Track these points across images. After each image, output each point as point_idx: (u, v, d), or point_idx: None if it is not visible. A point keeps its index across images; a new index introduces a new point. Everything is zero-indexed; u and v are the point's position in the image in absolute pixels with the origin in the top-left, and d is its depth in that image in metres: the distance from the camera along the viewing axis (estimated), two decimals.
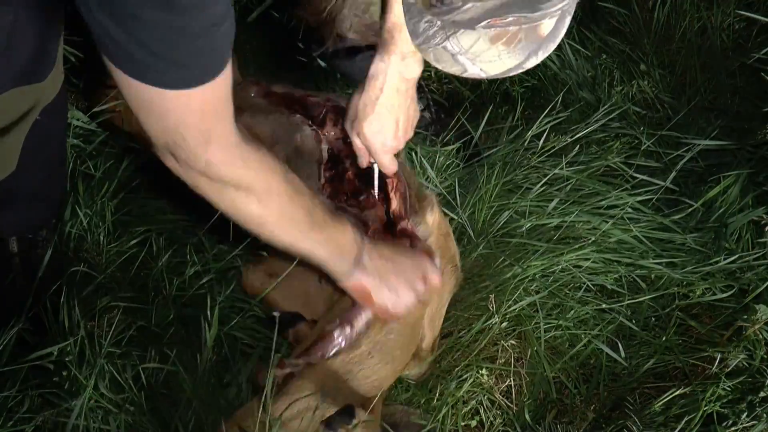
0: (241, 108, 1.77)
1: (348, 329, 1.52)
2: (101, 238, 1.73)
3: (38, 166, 1.55)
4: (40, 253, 1.65)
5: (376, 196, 1.66)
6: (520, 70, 1.20)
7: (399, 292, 1.51)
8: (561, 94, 2.03)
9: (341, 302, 1.58)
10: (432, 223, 1.64)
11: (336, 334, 1.51)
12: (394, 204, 1.64)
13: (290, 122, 1.75)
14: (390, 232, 1.63)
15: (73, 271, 1.65)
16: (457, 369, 1.61)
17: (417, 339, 1.60)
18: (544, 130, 1.94)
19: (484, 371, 1.59)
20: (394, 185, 1.65)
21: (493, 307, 1.65)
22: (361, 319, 1.53)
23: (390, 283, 1.51)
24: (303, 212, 1.39)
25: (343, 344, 1.51)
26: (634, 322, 1.73)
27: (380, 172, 1.65)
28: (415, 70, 1.56)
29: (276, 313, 1.52)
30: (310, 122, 1.73)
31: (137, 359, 1.56)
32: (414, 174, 1.79)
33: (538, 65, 2.12)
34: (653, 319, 1.76)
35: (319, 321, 1.59)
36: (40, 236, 1.67)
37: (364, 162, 1.65)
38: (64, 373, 1.51)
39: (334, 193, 1.67)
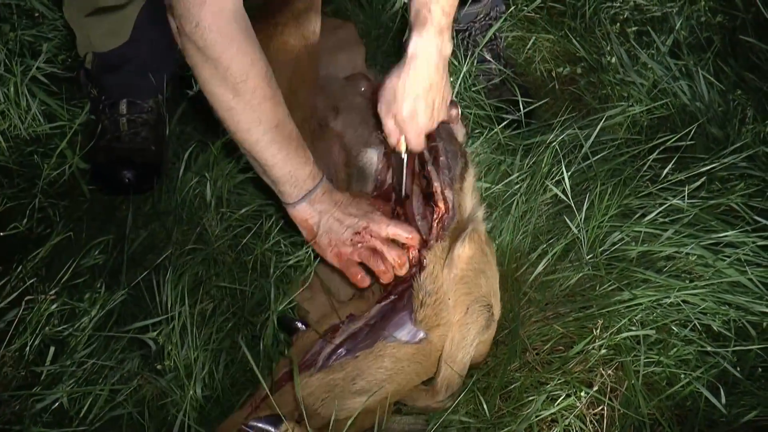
0: (337, 109, 1.77)
1: (325, 344, 1.51)
2: (213, 207, 1.80)
3: (147, 40, 1.85)
4: (146, 117, 1.92)
5: (403, 186, 1.63)
6: None
7: (334, 236, 1.55)
8: (690, 126, 1.97)
9: (332, 316, 1.58)
10: (461, 256, 1.53)
11: (318, 343, 1.52)
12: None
13: (365, 140, 1.74)
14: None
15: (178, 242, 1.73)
16: (549, 385, 1.57)
17: (421, 375, 1.52)
18: (667, 160, 1.88)
19: (582, 393, 1.54)
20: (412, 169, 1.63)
21: (596, 332, 1.61)
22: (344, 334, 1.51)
23: (329, 224, 1.55)
24: (271, 119, 1.45)
25: (324, 352, 1.49)
26: (738, 369, 1.65)
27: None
28: (450, 47, 1.54)
29: (295, 320, 1.60)
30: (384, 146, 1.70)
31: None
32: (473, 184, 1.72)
33: (667, 92, 2.10)
34: (760, 369, 1.67)
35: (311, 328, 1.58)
36: (146, 104, 1.92)
37: (393, 142, 1.61)
38: (167, 363, 1.59)
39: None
